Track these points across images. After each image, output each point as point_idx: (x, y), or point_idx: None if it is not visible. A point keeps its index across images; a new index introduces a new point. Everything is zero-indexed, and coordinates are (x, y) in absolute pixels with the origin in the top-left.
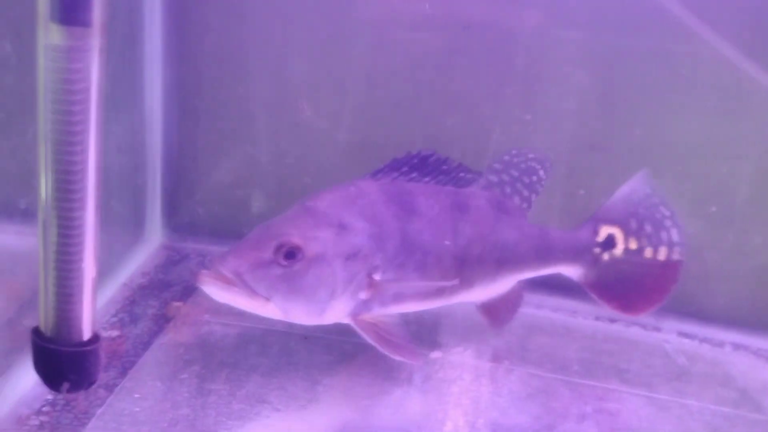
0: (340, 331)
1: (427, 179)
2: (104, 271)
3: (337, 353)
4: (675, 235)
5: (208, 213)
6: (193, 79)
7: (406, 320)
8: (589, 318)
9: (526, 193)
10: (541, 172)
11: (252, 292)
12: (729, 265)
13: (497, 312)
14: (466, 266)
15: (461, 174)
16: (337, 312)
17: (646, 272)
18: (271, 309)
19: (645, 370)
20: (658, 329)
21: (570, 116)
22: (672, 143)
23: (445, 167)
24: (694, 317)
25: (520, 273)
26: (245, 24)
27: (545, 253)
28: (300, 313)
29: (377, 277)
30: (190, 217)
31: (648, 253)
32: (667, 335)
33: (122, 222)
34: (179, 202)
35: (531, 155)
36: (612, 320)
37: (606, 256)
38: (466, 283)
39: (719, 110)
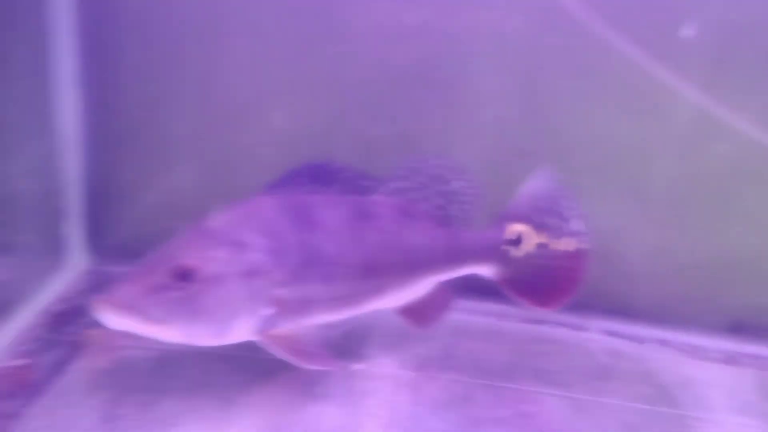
0: (261, 348)
1: (327, 189)
2: (17, 299)
3: (257, 371)
4: (578, 225)
5: (134, 236)
6: (114, 100)
7: (328, 334)
8: (517, 321)
9: (439, 200)
10: (455, 182)
11: (149, 317)
12: (652, 264)
13: (418, 314)
14: (375, 274)
15: (363, 182)
16: (242, 330)
17: (556, 264)
18: (172, 333)
19: (567, 370)
20: (584, 329)
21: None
22: (595, 146)
23: (345, 176)
24: (620, 315)
25: (433, 275)
26: (166, 43)
27: (456, 254)
28: (203, 335)
29: (280, 292)
30: (117, 240)
31: (554, 245)
32: (593, 334)
33: (36, 248)
34: (104, 225)
35: (434, 162)
36: (538, 322)
37: (516, 253)
38: (377, 290)
39: (639, 112)
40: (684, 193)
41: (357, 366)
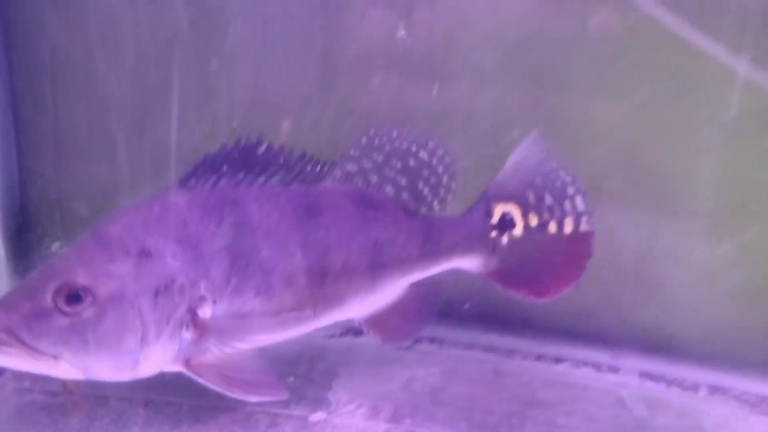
0: (194, 391)
1: (260, 179)
2: None
3: (187, 421)
4: (580, 203)
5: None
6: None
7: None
8: (528, 358)
9: (405, 181)
10: (423, 154)
11: (33, 350)
12: (697, 288)
13: (390, 324)
14: (329, 280)
15: (307, 167)
16: (157, 360)
17: (554, 249)
18: (64, 368)
19: (590, 425)
20: (614, 370)
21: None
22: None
23: (282, 161)
24: (659, 353)
25: (405, 275)
26: (89, 31)
27: (432, 247)
28: (105, 369)
29: (205, 310)
30: (43, 257)
31: (552, 227)
32: (626, 377)
33: None
34: (27, 242)
35: (396, 134)
36: (558, 360)
37: (505, 239)
38: (335, 299)
39: (676, 98)
40: (735, 201)
41: (316, 416)
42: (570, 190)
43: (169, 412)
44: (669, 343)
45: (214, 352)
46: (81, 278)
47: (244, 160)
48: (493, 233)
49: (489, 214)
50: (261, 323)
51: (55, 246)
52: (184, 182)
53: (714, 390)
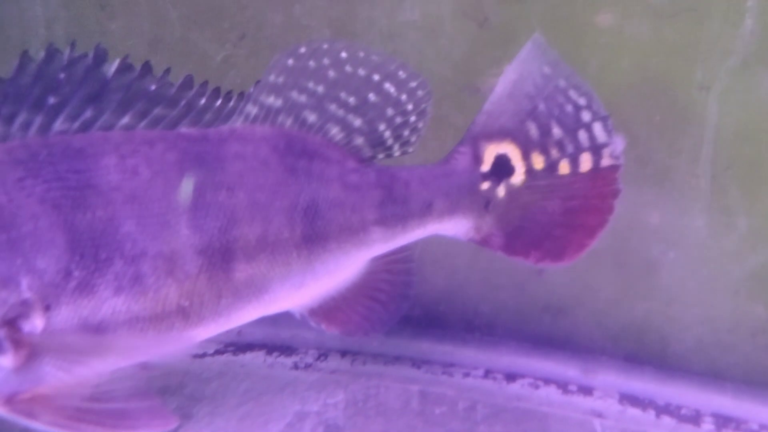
0: None
1: (124, 120)
2: None
3: None
4: (600, 132)
5: None
6: None
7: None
8: (472, 375)
9: (357, 121)
10: (389, 86)
11: None
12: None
13: (347, 314)
14: (238, 262)
15: (202, 101)
16: None
17: (568, 195)
18: None
19: None
20: (587, 391)
21: None
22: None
23: (159, 90)
24: (651, 366)
25: (359, 249)
26: None
27: (397, 210)
28: None
29: (32, 322)
30: None
31: (564, 167)
32: (602, 400)
33: None
34: None
35: (346, 54)
36: (510, 376)
37: (501, 191)
38: (250, 288)
39: None
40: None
41: None
42: (585, 116)
43: None
44: (660, 352)
45: (54, 382)
46: None
47: (88, 87)
48: (485, 185)
49: (478, 159)
50: (129, 332)
51: None
52: None
53: (723, 422)
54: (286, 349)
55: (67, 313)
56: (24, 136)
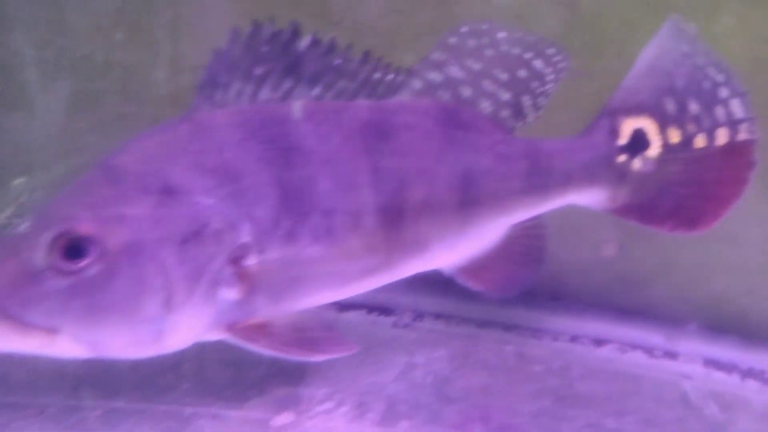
0: (112, 390)
1: (315, 90)
2: None
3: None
4: (737, 109)
5: None
6: None
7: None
8: (560, 339)
9: (507, 95)
10: (539, 63)
11: (21, 324)
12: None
13: (491, 273)
14: (407, 220)
15: (377, 75)
16: (189, 329)
17: (703, 169)
18: (64, 345)
19: (643, 430)
20: (672, 356)
21: None
22: None
23: (343, 64)
24: (734, 334)
25: (505, 214)
26: None
27: (540, 179)
28: (118, 344)
29: (251, 261)
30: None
31: (700, 141)
32: (687, 365)
33: None
34: None
35: (502, 35)
36: (598, 341)
37: (637, 164)
38: (415, 244)
39: None
40: None
41: (279, 419)
42: (723, 92)
43: (72, 420)
44: (741, 322)
45: (263, 313)
46: (84, 225)
47: (289, 61)
48: (621, 157)
49: (615, 133)
50: (322, 276)
51: (18, 182)
52: (206, 94)
53: None
54: (384, 310)
55: (275, 256)
56: (237, 103)
